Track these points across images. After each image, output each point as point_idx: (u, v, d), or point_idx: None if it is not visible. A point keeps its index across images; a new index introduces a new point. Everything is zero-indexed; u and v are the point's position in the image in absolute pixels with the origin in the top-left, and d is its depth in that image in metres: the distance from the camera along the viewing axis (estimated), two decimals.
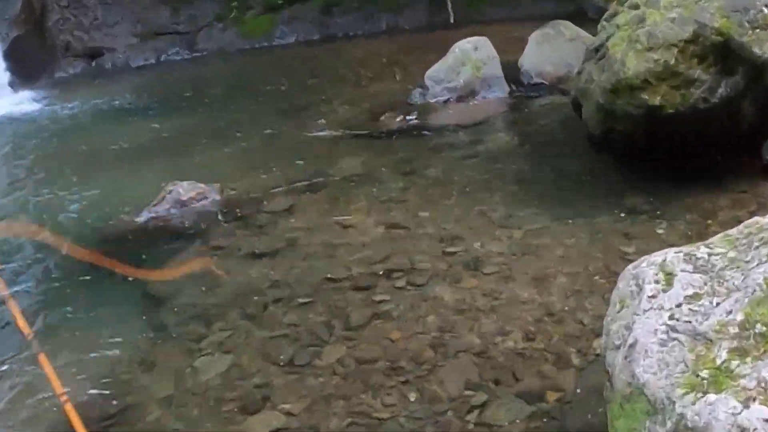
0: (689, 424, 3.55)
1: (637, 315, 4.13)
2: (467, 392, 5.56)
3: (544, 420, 5.26)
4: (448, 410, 5.46)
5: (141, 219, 8.23)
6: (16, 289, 7.74)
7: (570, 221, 7.21)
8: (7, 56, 12.88)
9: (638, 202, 7.30)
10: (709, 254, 4.34)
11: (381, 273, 6.89)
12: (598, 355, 5.61)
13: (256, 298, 6.87)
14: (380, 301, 6.55)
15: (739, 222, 4.80)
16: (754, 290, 3.95)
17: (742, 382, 3.61)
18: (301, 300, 6.75)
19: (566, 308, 6.13)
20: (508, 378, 5.63)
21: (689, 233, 6.32)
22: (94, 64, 13.81)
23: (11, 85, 12.87)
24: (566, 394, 5.43)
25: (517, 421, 5.26)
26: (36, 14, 13.36)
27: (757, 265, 4.07)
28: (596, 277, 6.39)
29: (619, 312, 4.26)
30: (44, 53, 13.50)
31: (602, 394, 5.03)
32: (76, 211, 8.81)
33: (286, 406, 5.68)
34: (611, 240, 6.87)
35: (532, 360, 5.77)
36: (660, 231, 6.78)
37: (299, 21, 13.39)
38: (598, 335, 5.67)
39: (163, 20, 13.77)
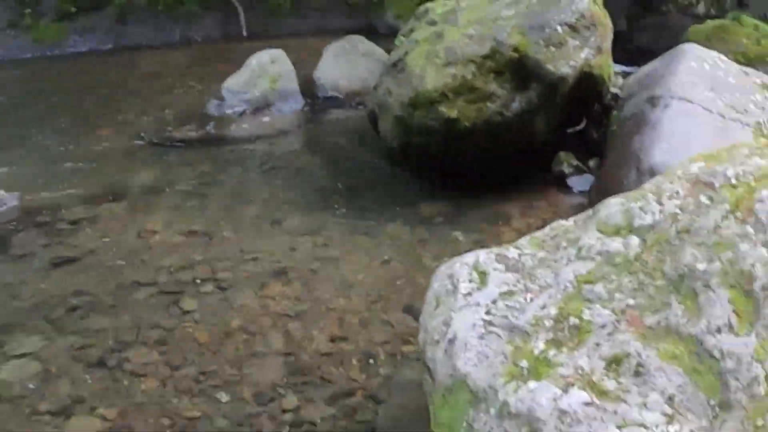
0: (513, 411, 3.67)
1: (454, 312, 4.24)
2: (278, 392, 5.56)
3: (356, 419, 5.30)
4: (261, 412, 5.46)
5: None
6: None
7: (368, 230, 7.32)
8: None
9: (434, 211, 7.45)
10: (520, 254, 4.50)
11: (186, 280, 6.83)
12: (405, 353, 5.69)
13: (58, 305, 6.69)
14: (187, 307, 6.47)
15: (531, 228, 4.96)
16: (566, 287, 4.13)
17: (560, 370, 3.74)
18: (107, 305, 6.60)
19: (370, 312, 6.18)
20: (316, 378, 5.65)
21: (485, 239, 6.52)
22: None
23: None
24: (376, 392, 5.48)
25: (329, 420, 5.27)
26: None
27: (566, 264, 4.28)
28: (397, 282, 6.45)
29: (435, 309, 4.36)
30: None
31: (412, 391, 5.11)
32: None
33: (101, 410, 5.61)
34: (409, 247, 7.00)
35: (341, 362, 5.80)
36: (456, 237, 6.91)
37: (93, 30, 13.09)
38: (404, 335, 5.80)
39: None
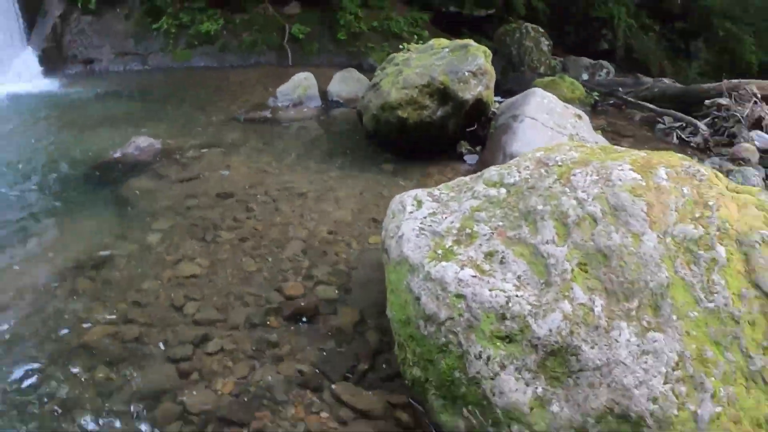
0: (432, 277, 3.68)
1: (402, 221, 4.26)
2: (299, 258, 5.54)
3: (342, 274, 5.30)
4: (290, 267, 5.43)
5: (116, 155, 7.85)
6: None
7: (352, 175, 7.24)
8: (41, 59, 12.22)
9: (390, 168, 7.42)
10: (440, 193, 4.51)
11: (252, 194, 6.78)
12: (370, 243, 5.70)
13: (180, 204, 6.63)
14: (252, 209, 6.39)
15: (446, 180, 4.94)
16: (464, 212, 4.15)
17: (459, 257, 3.76)
18: (207, 205, 6.56)
19: (352, 219, 6.20)
20: (320, 252, 5.62)
21: (418, 185, 6.40)
22: (88, 67, 13.05)
23: (43, 73, 12.17)
24: (353, 262, 5.47)
25: (326, 275, 5.25)
26: (57, 36, 12.71)
27: (466, 200, 4.31)
28: (367, 205, 6.46)
29: (392, 219, 4.38)
30: (60, 58, 12.79)
31: (373, 265, 5.07)
32: (79, 149, 8.37)
33: (198, 261, 5.59)
34: (375, 186, 6.96)
35: (338, 241, 5.81)
36: (402, 183, 6.91)
37: (207, 55, 12.90)
38: (370, 234, 5.79)
39: (129, 47, 13.11)
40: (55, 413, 4.11)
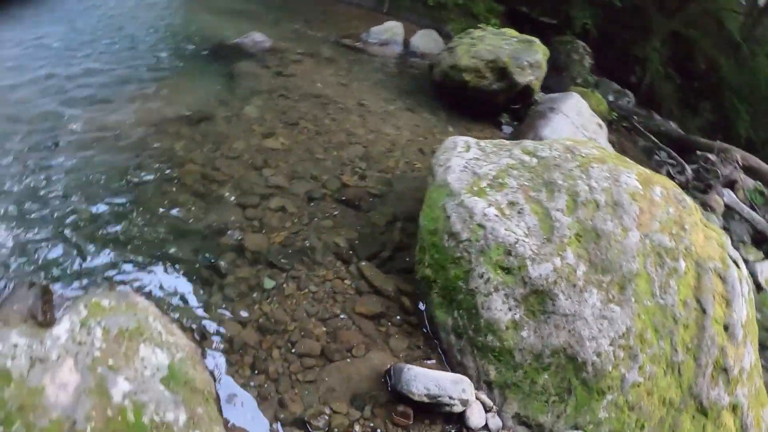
0: (465, 204, 3.76)
1: (452, 156, 4.34)
2: (355, 161, 5.57)
3: (387, 182, 5.28)
4: (348, 165, 5.46)
5: (233, 41, 7.80)
6: None
7: (412, 110, 7.09)
8: None
9: (443, 115, 7.25)
10: (485, 145, 4.56)
11: (332, 99, 6.73)
12: (413, 166, 5.68)
13: (276, 91, 6.58)
14: (330, 112, 6.40)
15: (484, 138, 5.00)
16: (500, 166, 4.19)
17: (488, 198, 3.83)
18: (295, 99, 6.50)
19: (404, 144, 6.10)
20: (374, 160, 5.60)
21: (462, 134, 6.12)
22: None
23: None
24: (397, 176, 5.44)
25: (375, 179, 5.26)
26: None
27: (504, 157, 4.33)
28: (419, 137, 6.40)
29: (443, 152, 4.46)
30: None
31: (411, 182, 5.10)
32: (202, 31, 8.28)
33: (281, 140, 5.63)
34: (428, 124, 6.84)
35: (390, 156, 5.76)
36: (449, 129, 6.85)
37: None
38: (417, 160, 5.79)
39: None
40: (144, 224, 4.28)
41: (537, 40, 7.76)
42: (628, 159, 4.47)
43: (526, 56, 7.29)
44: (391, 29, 9.70)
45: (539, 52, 7.46)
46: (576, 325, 3.33)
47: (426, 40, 9.78)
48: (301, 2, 11.15)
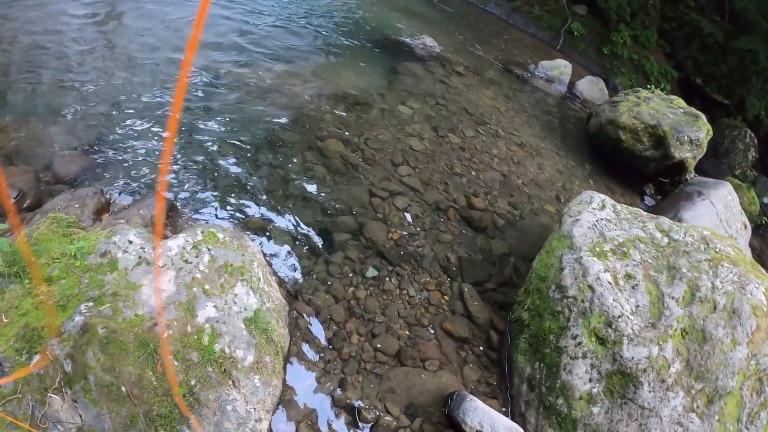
0: (582, 262, 3.71)
1: (585, 210, 4.27)
2: (490, 186, 5.56)
3: (513, 216, 5.25)
4: (482, 187, 5.43)
5: (404, 40, 7.96)
6: None
7: (560, 154, 6.94)
8: None
9: (588, 167, 7.07)
10: (621, 209, 4.41)
11: (484, 121, 6.67)
12: (544, 209, 5.61)
13: (434, 97, 6.66)
14: (482, 131, 6.40)
15: (623, 202, 4.84)
16: (630, 235, 4.04)
17: (608, 263, 3.77)
18: (455, 109, 6.58)
19: (546, 183, 6.04)
20: (508, 192, 5.54)
21: (600, 191, 6.06)
22: None
23: None
24: (525, 214, 5.38)
25: (503, 210, 5.26)
26: None
27: (635, 227, 4.18)
28: (559, 182, 6.28)
29: (577, 204, 4.41)
30: None
31: (536, 225, 5.03)
32: (377, 24, 8.40)
33: (426, 144, 5.74)
34: (571, 171, 6.69)
35: (525, 192, 5.71)
36: (590, 181, 6.72)
37: (502, 6, 12.39)
38: (548, 203, 5.72)
39: None
40: (276, 180, 4.52)
41: (703, 117, 7.42)
42: (763, 270, 4.22)
43: (689, 131, 6.98)
44: (560, 67, 9.56)
45: (702, 130, 7.13)
46: (649, 422, 3.21)
47: (591, 87, 9.58)
48: (480, 19, 11.20)
